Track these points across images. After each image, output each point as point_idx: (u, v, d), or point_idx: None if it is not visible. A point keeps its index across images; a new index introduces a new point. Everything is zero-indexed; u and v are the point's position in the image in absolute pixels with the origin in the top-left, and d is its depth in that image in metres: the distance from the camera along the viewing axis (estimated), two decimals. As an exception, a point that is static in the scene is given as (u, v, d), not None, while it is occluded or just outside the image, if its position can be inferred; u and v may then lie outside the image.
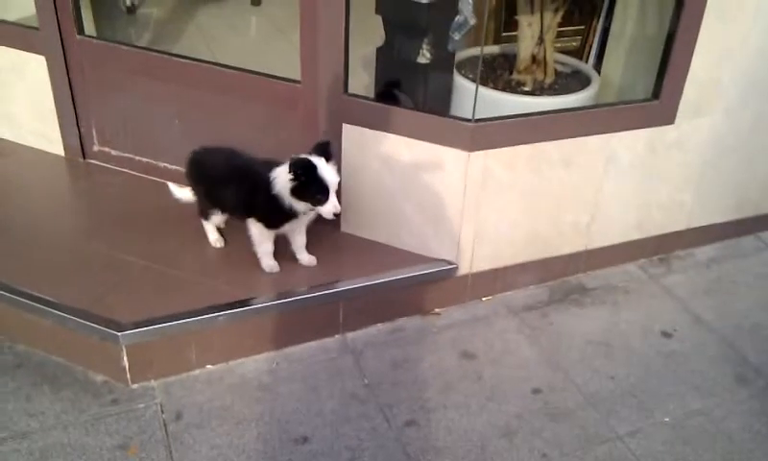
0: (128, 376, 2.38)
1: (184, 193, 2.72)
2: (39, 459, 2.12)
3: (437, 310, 2.79)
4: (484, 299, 2.87)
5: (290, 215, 2.43)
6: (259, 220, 2.51)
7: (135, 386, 2.39)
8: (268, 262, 2.61)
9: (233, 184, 2.53)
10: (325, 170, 2.29)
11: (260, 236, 2.56)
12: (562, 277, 3.01)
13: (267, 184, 2.38)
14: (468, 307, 2.82)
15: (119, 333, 2.31)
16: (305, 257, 2.68)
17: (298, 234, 2.62)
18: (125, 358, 2.35)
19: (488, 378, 2.50)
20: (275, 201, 2.39)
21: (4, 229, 2.78)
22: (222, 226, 2.75)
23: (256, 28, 4.62)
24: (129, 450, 2.17)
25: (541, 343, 2.67)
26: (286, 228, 2.54)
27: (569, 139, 2.66)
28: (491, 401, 2.40)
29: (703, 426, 2.36)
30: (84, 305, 2.40)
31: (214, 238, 2.73)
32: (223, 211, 2.64)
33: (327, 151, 2.34)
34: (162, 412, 2.30)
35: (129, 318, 2.36)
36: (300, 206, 2.37)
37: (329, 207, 2.31)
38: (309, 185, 2.29)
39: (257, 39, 4.43)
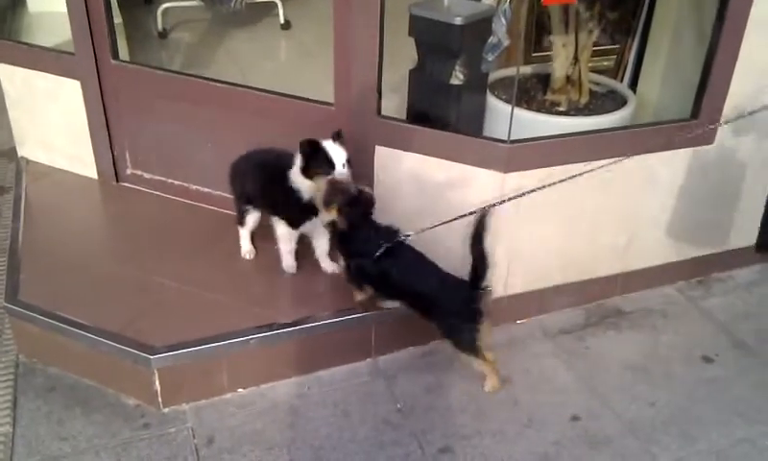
0: (159, 399, 2.37)
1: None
2: (71, 483, 2.12)
3: (471, 334, 2.75)
4: (518, 321, 2.82)
5: (309, 211, 2.48)
6: (283, 218, 2.58)
7: (167, 410, 2.38)
8: (288, 262, 2.69)
9: (261, 180, 2.62)
10: (331, 147, 2.40)
11: (284, 235, 2.62)
12: (598, 299, 2.95)
13: (286, 178, 2.48)
14: (503, 330, 2.77)
15: (151, 357, 2.30)
16: (327, 264, 2.71)
17: (320, 237, 2.66)
18: (157, 382, 2.34)
19: (524, 404, 2.44)
20: (293, 194, 2.46)
21: (38, 251, 2.80)
22: (253, 230, 2.79)
23: (286, 51, 4.65)
24: (160, 476, 2.15)
25: (578, 368, 2.61)
26: (308, 227, 2.58)
27: (605, 160, 2.61)
28: (528, 428, 2.34)
29: (748, 455, 2.27)
30: (117, 329, 2.40)
31: (246, 249, 2.78)
32: (255, 208, 2.71)
33: (338, 135, 2.45)
34: (194, 437, 2.28)
35: (161, 341, 2.35)
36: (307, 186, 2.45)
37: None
38: (316, 159, 2.39)
39: (288, 63, 4.46)
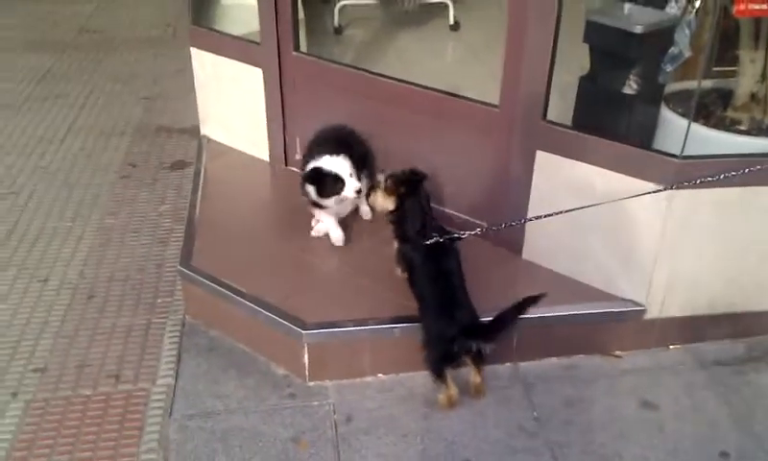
0: (306, 372, 2.50)
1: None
2: (220, 439, 2.28)
3: (618, 353, 2.65)
4: (671, 347, 2.68)
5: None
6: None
7: (312, 384, 2.50)
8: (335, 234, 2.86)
9: None
10: (334, 165, 2.61)
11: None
12: (761, 334, 2.73)
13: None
14: (653, 354, 2.65)
15: (303, 331, 2.44)
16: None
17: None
18: (306, 356, 2.46)
19: (670, 433, 2.32)
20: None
21: (211, 223, 3.04)
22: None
23: (454, 52, 4.69)
24: (300, 444, 2.27)
25: (734, 403, 2.44)
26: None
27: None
28: (672, 457, 2.23)
29: None
30: (274, 301, 2.55)
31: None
32: None
33: (340, 147, 2.67)
34: (334, 412, 2.39)
35: (312, 318, 2.48)
36: (329, 202, 2.68)
37: (350, 190, 2.62)
38: (324, 184, 2.63)
39: (455, 63, 4.50)
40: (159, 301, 2.89)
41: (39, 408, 2.40)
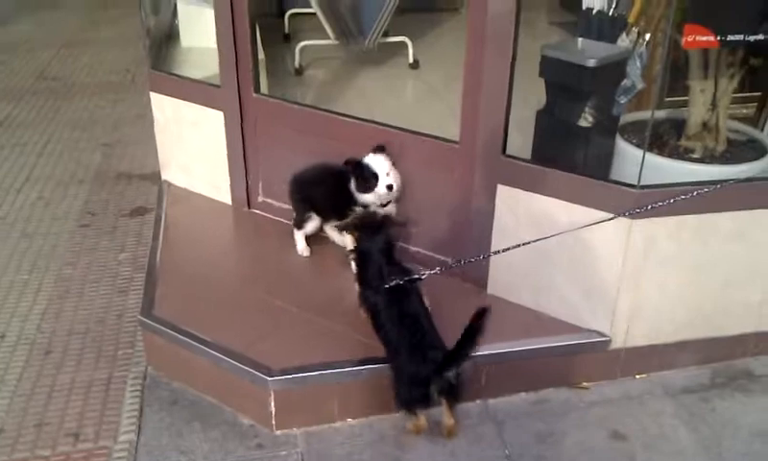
0: (273, 421, 2.45)
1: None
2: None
3: (585, 384, 2.65)
4: (638, 376, 2.69)
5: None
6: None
7: (279, 433, 2.45)
8: None
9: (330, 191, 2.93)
10: (373, 160, 2.75)
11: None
12: (727, 359, 2.76)
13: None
14: (620, 384, 2.65)
15: (269, 378, 2.39)
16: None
17: None
18: (272, 404, 2.42)
19: (640, 464, 2.32)
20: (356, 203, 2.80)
21: (173, 270, 2.99)
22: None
23: (414, 89, 4.74)
24: (269, 496, 2.22)
25: (702, 431, 2.45)
26: None
27: (742, 211, 2.46)
28: (643, 490, 2.22)
29: None
30: (239, 348, 2.51)
31: (302, 247, 3.07)
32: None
33: (381, 149, 2.78)
34: (303, 461, 2.34)
35: (278, 364, 2.44)
36: (368, 198, 2.77)
37: (382, 186, 2.72)
38: (362, 175, 2.74)
39: (415, 101, 4.54)
40: (120, 353, 2.82)
41: (-5, 472, 2.31)
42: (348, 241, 2.71)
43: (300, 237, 3.07)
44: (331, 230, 3.04)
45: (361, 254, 2.48)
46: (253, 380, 2.42)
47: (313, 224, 3.02)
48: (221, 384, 2.55)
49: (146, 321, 2.69)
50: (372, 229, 2.47)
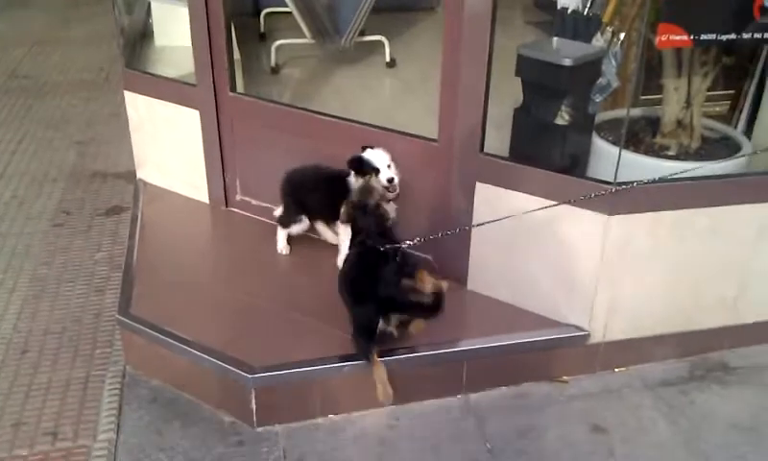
0: (254, 418, 2.43)
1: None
2: (168, 492, 2.20)
3: (565, 378, 2.68)
4: (617, 370, 2.73)
5: None
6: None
7: (260, 429, 2.44)
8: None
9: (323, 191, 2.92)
10: (373, 154, 2.70)
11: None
12: (703, 352, 2.80)
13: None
14: (599, 378, 2.68)
15: (249, 376, 2.38)
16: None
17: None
18: (253, 401, 2.40)
19: (620, 457, 2.34)
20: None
21: (150, 269, 2.96)
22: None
23: (391, 88, 4.75)
24: (251, 493, 2.20)
25: (680, 423, 2.49)
26: None
27: (717, 208, 2.51)
28: (623, 481, 2.25)
29: None
30: (219, 346, 2.49)
31: (282, 246, 3.07)
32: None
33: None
34: (285, 458, 2.33)
35: (259, 362, 2.42)
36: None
37: (383, 178, 2.67)
38: (363, 170, 2.69)
39: (392, 99, 4.55)
40: (98, 352, 2.78)
41: (-29, 474, 2.27)
42: (342, 238, 2.71)
43: (282, 235, 3.06)
44: (324, 229, 3.03)
45: (356, 210, 2.57)
46: (235, 378, 2.41)
47: (300, 226, 3.00)
48: (201, 382, 2.53)
49: (124, 320, 2.66)
50: (364, 207, 2.55)
